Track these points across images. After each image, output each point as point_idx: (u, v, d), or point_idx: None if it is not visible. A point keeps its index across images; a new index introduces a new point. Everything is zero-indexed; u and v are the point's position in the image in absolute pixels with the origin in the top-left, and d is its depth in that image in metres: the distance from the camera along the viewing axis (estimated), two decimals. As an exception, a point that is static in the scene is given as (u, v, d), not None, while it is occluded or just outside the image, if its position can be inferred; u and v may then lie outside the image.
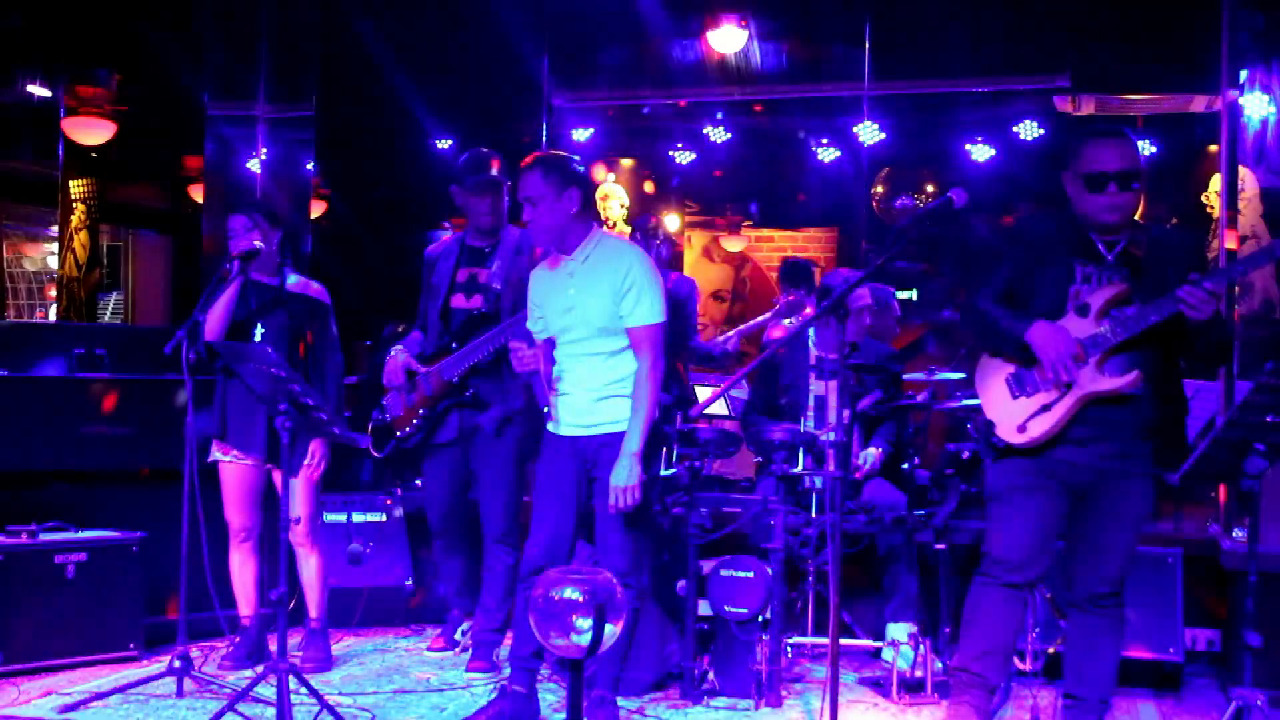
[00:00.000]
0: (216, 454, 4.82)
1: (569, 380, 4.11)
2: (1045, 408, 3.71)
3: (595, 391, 4.04)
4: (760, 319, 6.95)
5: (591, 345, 4.04)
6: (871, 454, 5.18)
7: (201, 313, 4.55)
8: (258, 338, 4.73)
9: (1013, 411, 3.77)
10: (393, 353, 5.11)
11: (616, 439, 4.01)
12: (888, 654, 4.70)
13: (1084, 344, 3.68)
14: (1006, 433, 3.77)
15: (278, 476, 4.78)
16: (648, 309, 3.99)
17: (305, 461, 4.79)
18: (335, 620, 5.17)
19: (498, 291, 4.90)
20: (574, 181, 4.02)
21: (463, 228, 5.24)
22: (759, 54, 7.98)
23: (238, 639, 4.88)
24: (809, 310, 6.34)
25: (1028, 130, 8.51)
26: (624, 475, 3.93)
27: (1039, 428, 3.72)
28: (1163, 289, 3.59)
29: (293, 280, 4.87)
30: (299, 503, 4.78)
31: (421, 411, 5.00)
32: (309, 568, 4.90)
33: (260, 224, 4.77)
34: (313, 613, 4.93)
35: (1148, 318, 3.59)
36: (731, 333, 6.82)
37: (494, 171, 4.96)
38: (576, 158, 4.14)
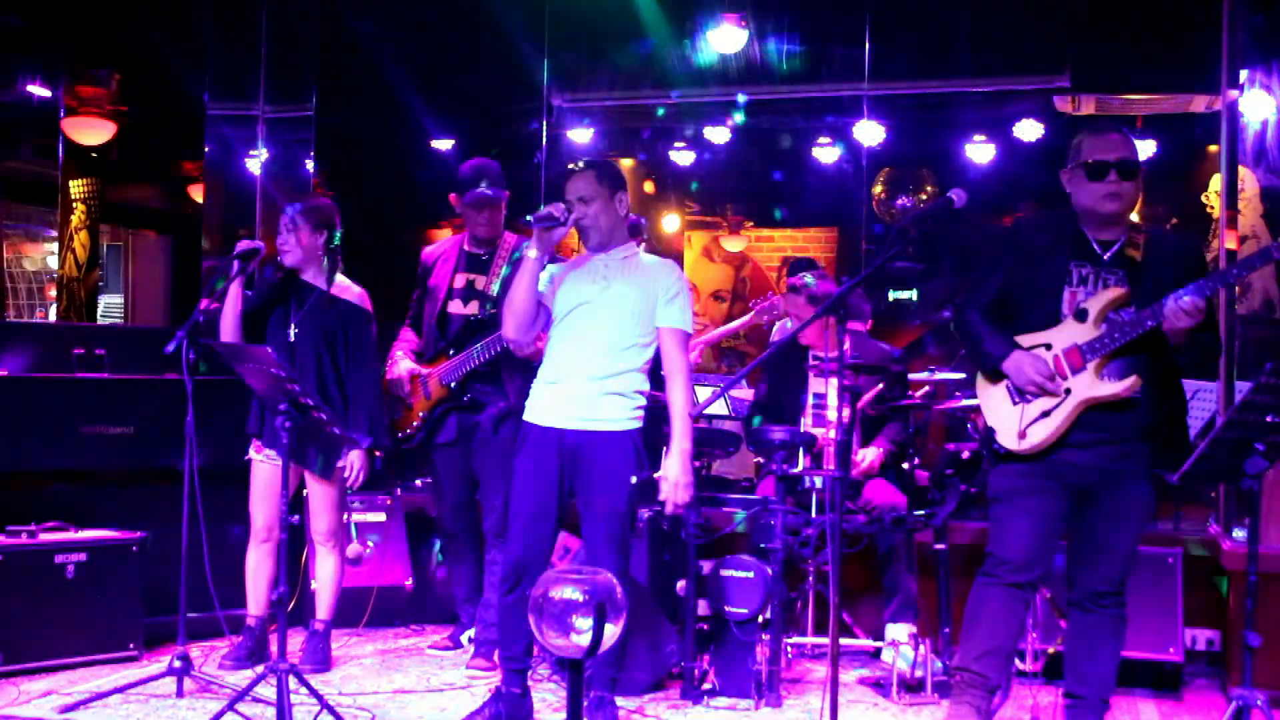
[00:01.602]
0: (252, 452, 4.83)
1: (566, 367, 4.10)
2: (1045, 414, 3.72)
3: (599, 384, 4.05)
4: (724, 329, 6.99)
5: (608, 333, 4.06)
6: (869, 454, 5.17)
7: (201, 312, 4.54)
8: (292, 336, 4.72)
9: (1013, 418, 3.78)
10: (395, 358, 5.16)
11: (613, 438, 4.04)
12: (888, 654, 4.70)
13: (1083, 349, 3.68)
14: (1007, 439, 3.78)
15: (309, 481, 4.80)
16: (687, 316, 4.17)
17: (344, 471, 4.75)
18: (336, 620, 5.16)
19: (494, 298, 4.92)
20: (622, 187, 4.19)
21: (462, 229, 5.26)
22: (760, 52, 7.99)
23: (239, 639, 4.88)
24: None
25: (1028, 130, 8.51)
26: (678, 472, 4.06)
27: (1039, 434, 3.72)
28: (1160, 292, 3.60)
29: (338, 283, 4.84)
30: (325, 504, 4.80)
31: (421, 414, 5.05)
32: (326, 568, 4.89)
33: (300, 224, 4.75)
34: (320, 613, 4.90)
35: (1144, 323, 3.60)
36: (698, 341, 6.86)
37: (493, 184, 4.99)
38: (617, 166, 4.29)
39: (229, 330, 4.71)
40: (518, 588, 4.05)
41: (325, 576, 4.90)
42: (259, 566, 4.86)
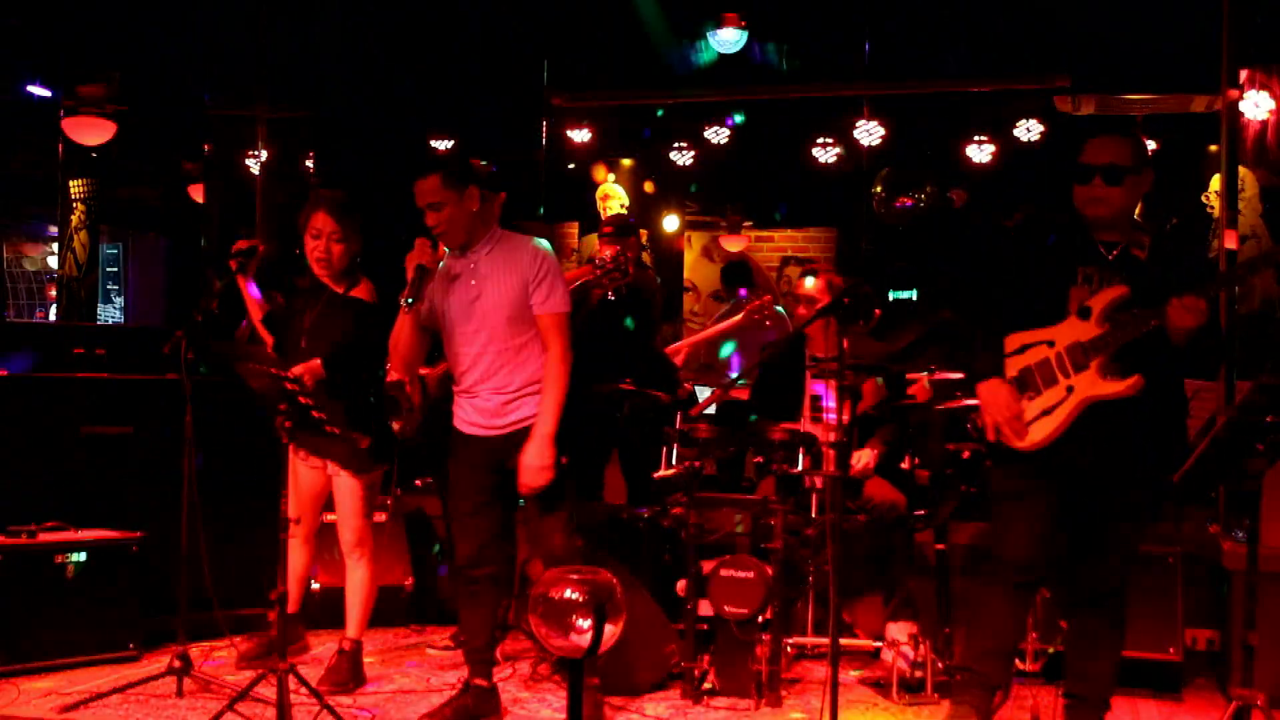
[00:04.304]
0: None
1: (471, 382, 4.15)
2: (1047, 411, 3.71)
3: (504, 396, 4.10)
4: (715, 328, 7.01)
5: (498, 339, 4.08)
6: (864, 455, 5.17)
7: (200, 312, 4.51)
8: (304, 341, 4.60)
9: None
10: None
11: (528, 434, 4.06)
12: (888, 654, 4.70)
13: (1085, 347, 3.68)
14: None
15: (335, 487, 4.68)
16: (559, 298, 4.10)
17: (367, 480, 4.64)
18: (332, 621, 5.15)
19: None
20: (472, 180, 4.10)
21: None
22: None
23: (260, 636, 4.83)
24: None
25: (1028, 130, 8.52)
26: (535, 456, 4.00)
27: (1041, 431, 3.72)
28: (1164, 291, 3.59)
29: (359, 286, 4.72)
30: (350, 510, 4.62)
31: (422, 415, 5.08)
32: (354, 580, 4.68)
33: (349, 234, 4.63)
34: (350, 632, 4.65)
35: (1148, 320, 3.59)
36: (681, 344, 6.88)
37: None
38: (472, 159, 4.25)
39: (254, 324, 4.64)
40: (472, 581, 4.15)
41: (353, 589, 4.67)
42: (289, 555, 4.62)
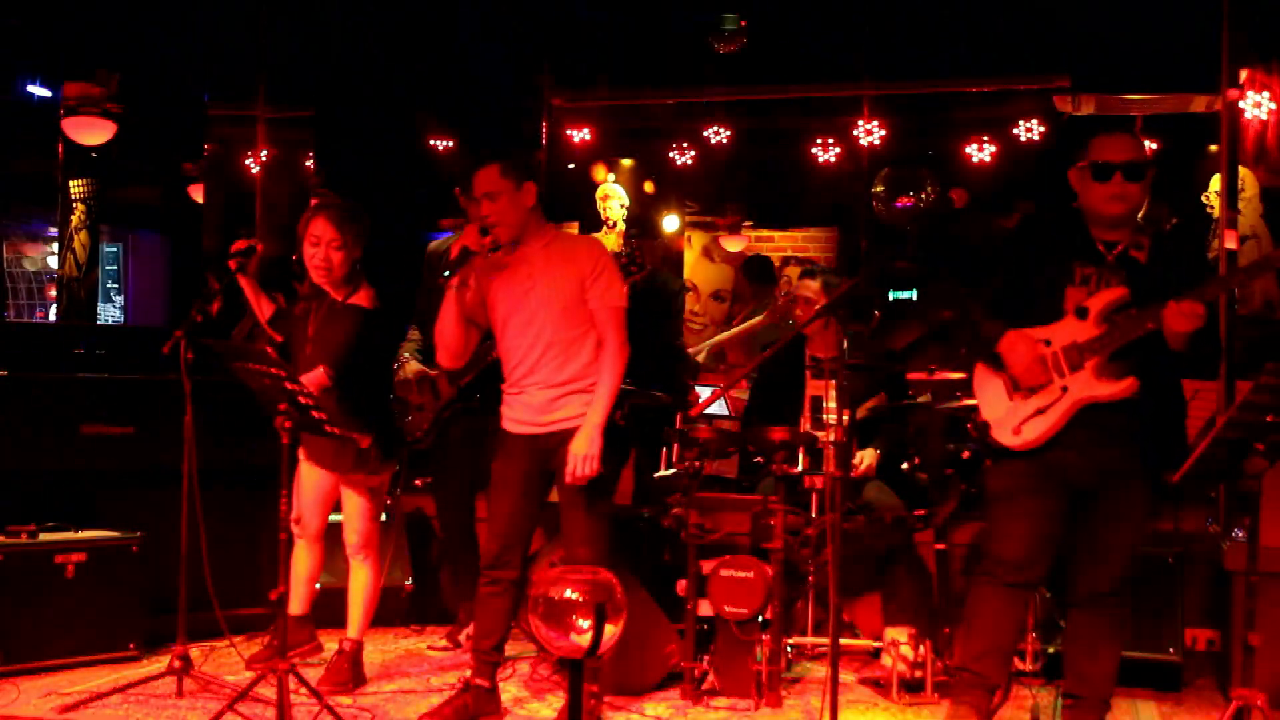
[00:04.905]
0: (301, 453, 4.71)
1: (521, 377, 4.16)
2: (1041, 411, 3.71)
3: (553, 390, 4.10)
4: (743, 326, 6.99)
5: (549, 331, 4.08)
6: (867, 456, 5.17)
7: (199, 312, 4.50)
8: (309, 348, 4.59)
9: (1009, 414, 3.77)
10: (403, 359, 5.15)
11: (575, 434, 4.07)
12: (887, 654, 4.70)
13: (1081, 347, 3.68)
14: (1002, 435, 3.78)
15: (342, 489, 4.67)
16: (617, 292, 4.12)
17: (372, 481, 4.65)
18: (334, 620, 5.15)
19: None
20: (530, 176, 4.13)
21: (456, 227, 5.25)
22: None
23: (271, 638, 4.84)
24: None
25: (1028, 130, 8.52)
26: (584, 445, 3.99)
27: (1034, 431, 3.72)
28: (1162, 294, 3.60)
29: (359, 292, 4.65)
30: (356, 513, 4.63)
31: (431, 415, 5.05)
32: (358, 580, 4.68)
33: (350, 242, 4.57)
34: (351, 632, 4.66)
35: (1144, 324, 3.59)
36: (703, 346, 6.86)
37: None
38: (530, 155, 4.22)
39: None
40: (493, 581, 4.15)
41: (357, 590, 4.68)
42: (294, 560, 4.70)
